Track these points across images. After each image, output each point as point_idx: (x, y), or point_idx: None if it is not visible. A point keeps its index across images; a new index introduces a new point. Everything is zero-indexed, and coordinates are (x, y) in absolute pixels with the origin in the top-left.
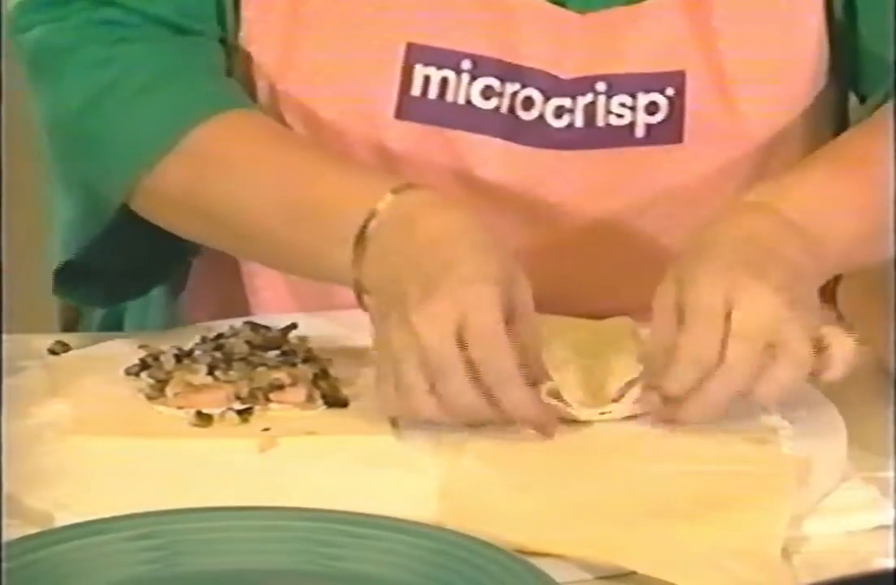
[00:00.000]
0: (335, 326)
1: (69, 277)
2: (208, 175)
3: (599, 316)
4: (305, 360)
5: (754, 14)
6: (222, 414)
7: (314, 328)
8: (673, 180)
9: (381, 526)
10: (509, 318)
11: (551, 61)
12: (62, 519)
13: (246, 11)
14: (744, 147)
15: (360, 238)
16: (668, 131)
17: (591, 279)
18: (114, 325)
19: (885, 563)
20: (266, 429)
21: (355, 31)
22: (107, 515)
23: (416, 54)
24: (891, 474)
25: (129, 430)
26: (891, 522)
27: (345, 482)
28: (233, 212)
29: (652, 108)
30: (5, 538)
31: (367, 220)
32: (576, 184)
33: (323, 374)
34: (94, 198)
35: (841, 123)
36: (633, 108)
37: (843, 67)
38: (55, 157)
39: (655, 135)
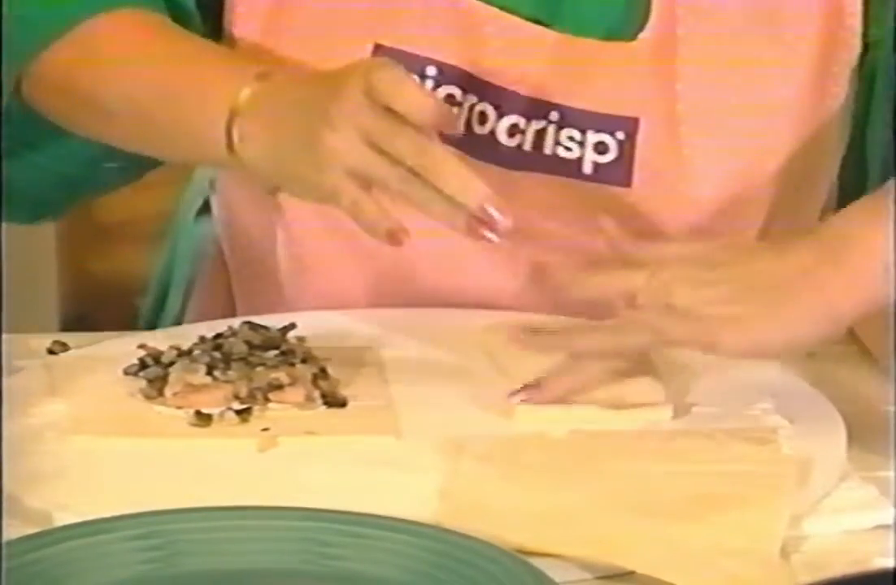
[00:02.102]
0: (334, 326)
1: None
2: (89, 59)
3: None
4: (304, 360)
5: (720, 73)
6: (221, 414)
7: (313, 328)
8: (618, 220)
9: (380, 526)
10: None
11: (512, 77)
12: (61, 519)
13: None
14: (693, 203)
15: (234, 110)
16: (617, 173)
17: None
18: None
19: (884, 563)
20: (265, 429)
21: (325, 31)
22: (106, 515)
23: (382, 56)
24: (890, 473)
25: (128, 430)
26: (890, 521)
27: (344, 482)
28: (106, 93)
29: (601, 148)
30: (4, 538)
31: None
32: (521, 203)
33: (322, 374)
34: None
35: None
36: (581, 144)
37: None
38: None
39: (604, 174)
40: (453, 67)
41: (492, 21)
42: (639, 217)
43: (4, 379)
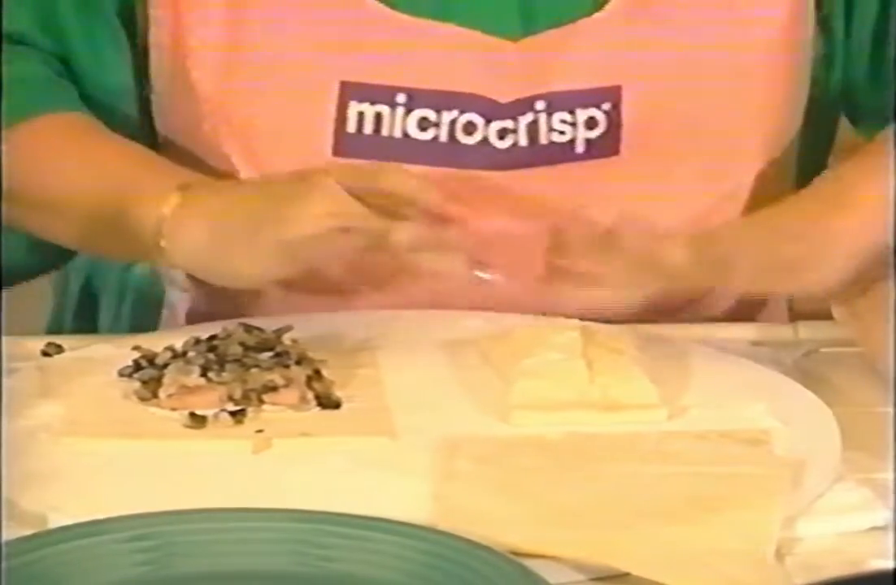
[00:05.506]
0: (328, 328)
1: None
2: (20, 160)
3: None
4: (298, 362)
5: (698, 26)
6: (216, 416)
7: (307, 329)
8: (611, 193)
9: (374, 528)
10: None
11: (488, 87)
12: (56, 521)
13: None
14: (683, 158)
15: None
16: (606, 145)
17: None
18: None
19: (880, 564)
20: (260, 431)
21: (291, 70)
22: (101, 517)
23: (350, 92)
24: (886, 475)
25: (123, 432)
26: (883, 523)
27: (338, 483)
28: (34, 192)
29: (591, 123)
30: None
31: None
32: (522, 202)
33: (316, 376)
34: None
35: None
36: (573, 124)
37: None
38: None
39: (594, 149)
40: (422, 91)
41: (455, 37)
42: (629, 183)
43: (5, 380)
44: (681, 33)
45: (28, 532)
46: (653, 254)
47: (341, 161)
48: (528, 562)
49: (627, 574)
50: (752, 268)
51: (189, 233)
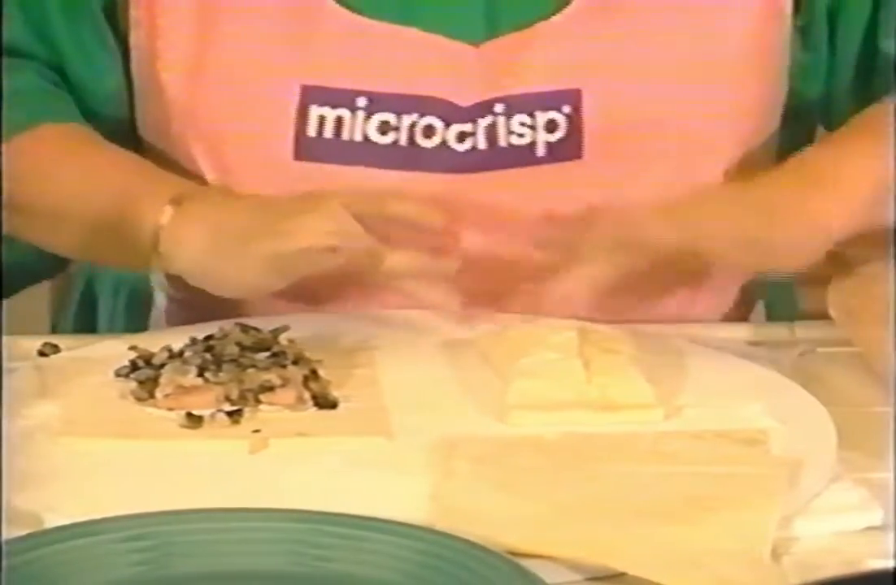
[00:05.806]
0: (325, 327)
1: None
2: (17, 168)
3: None
4: (295, 362)
5: (659, 28)
6: (212, 416)
7: (304, 329)
8: (576, 197)
9: (371, 528)
10: None
11: (449, 91)
12: (52, 521)
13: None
14: (648, 162)
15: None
16: (568, 148)
17: (507, 292)
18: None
19: (876, 564)
20: (256, 431)
21: (253, 73)
22: (97, 517)
23: (310, 95)
24: (883, 475)
25: (119, 432)
26: (880, 523)
27: (335, 483)
28: (32, 200)
29: (551, 126)
30: None
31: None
32: (482, 206)
33: (313, 376)
34: None
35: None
36: (532, 127)
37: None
38: None
39: (556, 152)
40: (383, 94)
41: (417, 41)
42: (593, 186)
43: (5, 380)
44: (641, 36)
45: (23, 532)
46: (635, 228)
47: (313, 165)
48: (526, 562)
49: (624, 574)
50: (727, 245)
51: (188, 240)
